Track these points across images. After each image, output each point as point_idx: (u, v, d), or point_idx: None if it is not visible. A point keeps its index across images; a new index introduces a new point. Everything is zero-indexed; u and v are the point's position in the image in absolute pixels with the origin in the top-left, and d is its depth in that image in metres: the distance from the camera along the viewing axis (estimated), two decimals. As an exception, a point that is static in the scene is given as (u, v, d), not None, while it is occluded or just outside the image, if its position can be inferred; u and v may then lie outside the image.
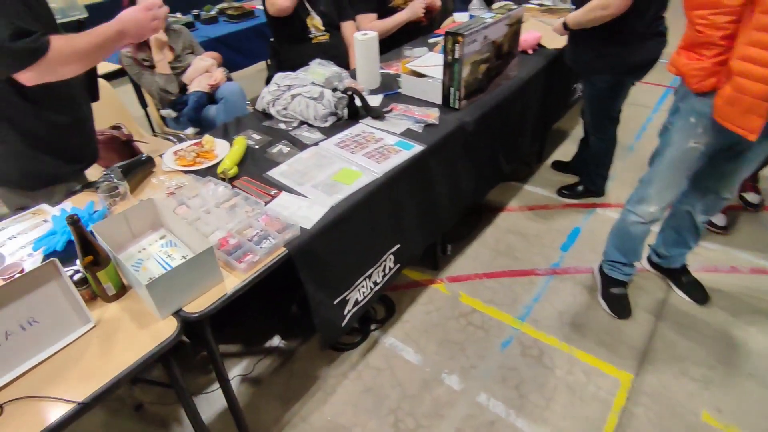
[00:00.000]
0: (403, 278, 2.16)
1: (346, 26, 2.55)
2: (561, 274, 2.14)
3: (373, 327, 1.94)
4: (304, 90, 1.79)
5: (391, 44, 2.67)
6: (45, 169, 1.43)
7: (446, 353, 1.82)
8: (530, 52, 2.33)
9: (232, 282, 1.14)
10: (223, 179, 1.47)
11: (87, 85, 1.60)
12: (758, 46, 1.14)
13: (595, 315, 1.94)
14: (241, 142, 1.62)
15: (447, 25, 2.96)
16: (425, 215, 1.74)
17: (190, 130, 2.48)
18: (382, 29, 2.69)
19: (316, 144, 1.65)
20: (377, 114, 1.77)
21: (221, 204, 1.35)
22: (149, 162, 1.56)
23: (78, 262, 1.05)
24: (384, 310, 2.01)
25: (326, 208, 1.34)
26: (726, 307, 1.93)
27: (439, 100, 1.88)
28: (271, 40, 2.65)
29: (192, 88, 2.39)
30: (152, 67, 2.38)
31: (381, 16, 2.72)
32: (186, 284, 1.06)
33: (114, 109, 2.45)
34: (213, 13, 3.32)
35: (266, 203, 1.36)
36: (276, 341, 1.93)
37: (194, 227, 1.25)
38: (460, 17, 2.85)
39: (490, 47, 1.83)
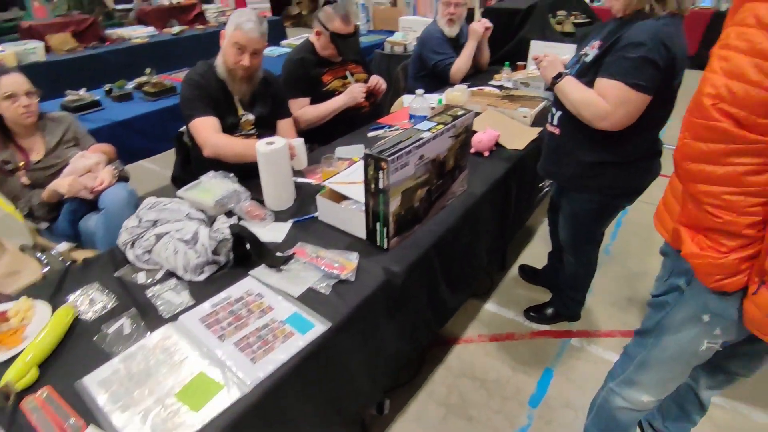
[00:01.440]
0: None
1: (282, 124, 2.10)
2: (530, 446, 1.65)
3: None
4: (174, 227, 1.31)
5: (330, 135, 2.25)
6: None
7: None
8: (486, 154, 1.93)
9: None
10: (7, 397, 0.95)
11: None
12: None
13: None
14: (61, 317, 1.11)
15: (396, 111, 2.57)
16: (330, 407, 1.24)
17: (63, 246, 1.94)
18: (314, 116, 2.29)
19: (175, 318, 1.15)
20: (273, 263, 1.30)
21: (-30, 465, 0.82)
22: None
23: None
24: None
25: (144, 472, 0.83)
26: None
27: (363, 233, 1.42)
28: (181, 130, 2.16)
29: (68, 194, 1.89)
30: (16, 170, 1.89)
31: (316, 101, 2.33)
32: None
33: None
34: (129, 88, 2.86)
35: (51, 458, 0.85)
36: None
37: None
38: (412, 101, 2.30)
39: (428, 167, 1.40)
